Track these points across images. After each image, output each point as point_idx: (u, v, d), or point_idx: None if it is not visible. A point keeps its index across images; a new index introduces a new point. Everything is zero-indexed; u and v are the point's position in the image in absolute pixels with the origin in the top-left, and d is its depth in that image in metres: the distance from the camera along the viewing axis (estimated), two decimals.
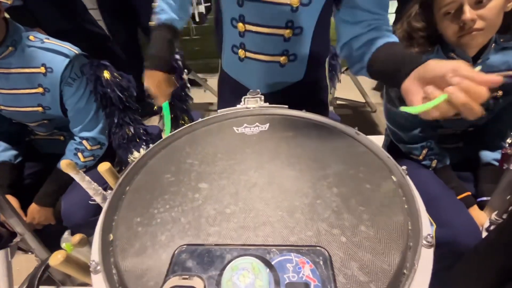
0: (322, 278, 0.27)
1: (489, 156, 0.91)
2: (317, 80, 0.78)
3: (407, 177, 0.39)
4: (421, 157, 0.92)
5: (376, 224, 0.33)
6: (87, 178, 0.41)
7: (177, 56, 1.28)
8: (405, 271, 0.29)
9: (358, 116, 1.79)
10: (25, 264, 1.11)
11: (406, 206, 0.36)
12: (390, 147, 1.06)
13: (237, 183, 0.40)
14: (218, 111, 0.56)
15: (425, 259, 0.29)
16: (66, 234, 0.38)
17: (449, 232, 0.74)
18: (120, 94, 0.97)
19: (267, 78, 0.70)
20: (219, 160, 0.45)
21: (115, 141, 1.08)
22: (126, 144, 1.10)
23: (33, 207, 0.91)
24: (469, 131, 0.91)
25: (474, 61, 0.76)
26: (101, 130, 1.00)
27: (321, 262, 0.28)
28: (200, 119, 0.55)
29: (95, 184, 0.42)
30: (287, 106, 0.57)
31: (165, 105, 0.67)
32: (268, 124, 0.52)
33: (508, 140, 0.91)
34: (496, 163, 0.89)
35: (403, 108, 0.39)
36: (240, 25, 0.62)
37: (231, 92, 0.60)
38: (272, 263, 0.28)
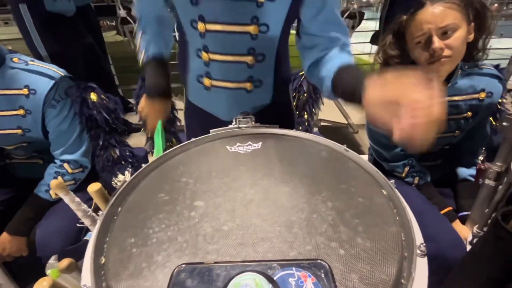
0: None
1: (465, 172, 0.97)
2: (283, 104, 0.81)
3: (396, 190, 0.41)
4: (403, 175, 0.96)
5: (372, 236, 0.34)
6: (77, 199, 0.40)
7: None
8: (403, 280, 0.30)
9: (341, 137, 1.87)
10: None
11: (397, 218, 0.37)
12: (374, 165, 1.10)
13: (233, 200, 0.40)
14: (211, 131, 0.57)
15: (421, 268, 0.30)
16: (52, 259, 0.35)
17: (436, 247, 0.76)
18: (106, 116, 0.96)
19: (235, 105, 0.70)
20: (213, 178, 0.45)
21: (99, 164, 1.05)
22: (111, 166, 1.07)
23: (4, 236, 0.84)
24: (445, 149, 0.97)
25: (444, 84, 0.84)
26: (84, 152, 0.97)
27: (323, 275, 0.28)
28: (192, 139, 0.55)
29: (85, 205, 0.41)
30: (278, 126, 0.59)
31: (159, 125, 0.68)
32: (260, 143, 0.54)
33: (480, 157, 0.98)
34: (472, 179, 0.95)
35: None
36: (204, 54, 0.64)
37: (199, 123, 0.61)
38: (274, 278, 0.28)
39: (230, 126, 0.60)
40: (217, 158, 0.50)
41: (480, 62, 0.86)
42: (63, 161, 0.93)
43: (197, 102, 0.77)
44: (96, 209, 0.45)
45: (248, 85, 0.68)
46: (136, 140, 1.74)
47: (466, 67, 0.85)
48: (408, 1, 0.82)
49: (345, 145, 0.52)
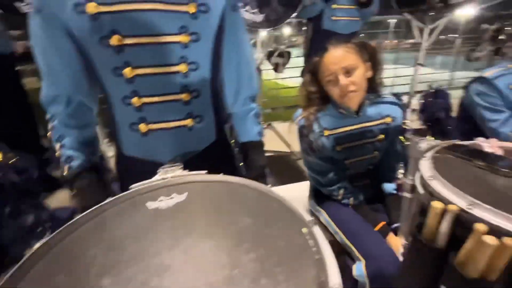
0: None
1: (389, 187, 1.07)
2: (227, 141, 0.81)
3: (316, 227, 0.42)
4: (340, 197, 1.02)
5: (292, 284, 0.33)
6: None
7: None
8: None
9: (285, 165, 1.94)
10: None
11: (316, 257, 0.38)
12: (314, 191, 1.16)
13: (147, 269, 0.36)
14: (130, 187, 0.52)
15: None
16: None
17: (375, 265, 0.80)
18: (15, 178, 0.83)
19: (178, 145, 0.68)
20: (128, 245, 0.40)
21: (9, 235, 0.87)
22: (25, 235, 0.90)
23: None
24: (370, 170, 1.07)
25: (356, 113, 0.96)
26: None
27: None
28: (108, 199, 0.50)
29: None
30: (205, 172, 0.58)
31: None
32: (186, 194, 0.51)
33: (399, 172, 1.11)
34: (396, 192, 1.06)
35: None
36: (135, 100, 0.61)
37: (137, 174, 0.55)
38: None
39: (154, 178, 0.56)
40: (135, 219, 0.46)
41: (382, 93, 1.00)
42: None
43: (134, 152, 0.71)
44: None
45: (188, 122, 0.67)
46: (65, 197, 1.50)
47: (371, 97, 0.98)
48: (323, 41, 0.94)
49: (270, 185, 0.52)
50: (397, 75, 4.32)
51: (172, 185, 0.54)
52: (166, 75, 0.61)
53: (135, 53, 0.58)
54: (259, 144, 0.82)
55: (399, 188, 1.04)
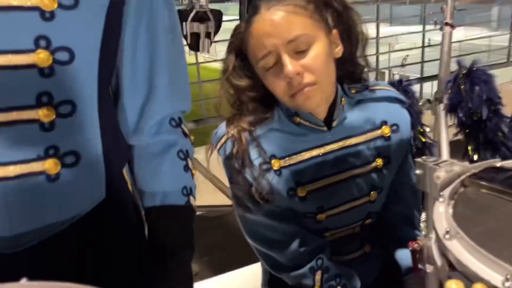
0: None
1: (409, 257, 1.12)
2: (131, 201, 0.82)
3: None
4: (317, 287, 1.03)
5: None
6: None
7: None
8: None
9: (226, 231, 1.90)
10: None
11: None
12: (270, 280, 1.15)
13: None
14: None
15: None
16: None
17: None
18: None
19: (23, 214, 0.67)
20: None
21: None
22: None
23: None
24: (368, 226, 1.11)
25: (327, 125, 0.99)
26: None
27: None
28: None
29: None
30: (25, 280, 0.55)
31: None
32: None
33: (421, 227, 1.16)
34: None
35: None
36: None
37: None
38: None
39: None
40: None
41: (370, 82, 1.06)
42: None
43: None
44: None
45: (49, 166, 0.65)
46: None
47: (353, 91, 1.03)
48: None
49: None
50: (427, 44, 4.70)
51: None
52: (8, 70, 0.61)
53: None
54: (186, 213, 0.82)
55: (415, 256, 1.09)
